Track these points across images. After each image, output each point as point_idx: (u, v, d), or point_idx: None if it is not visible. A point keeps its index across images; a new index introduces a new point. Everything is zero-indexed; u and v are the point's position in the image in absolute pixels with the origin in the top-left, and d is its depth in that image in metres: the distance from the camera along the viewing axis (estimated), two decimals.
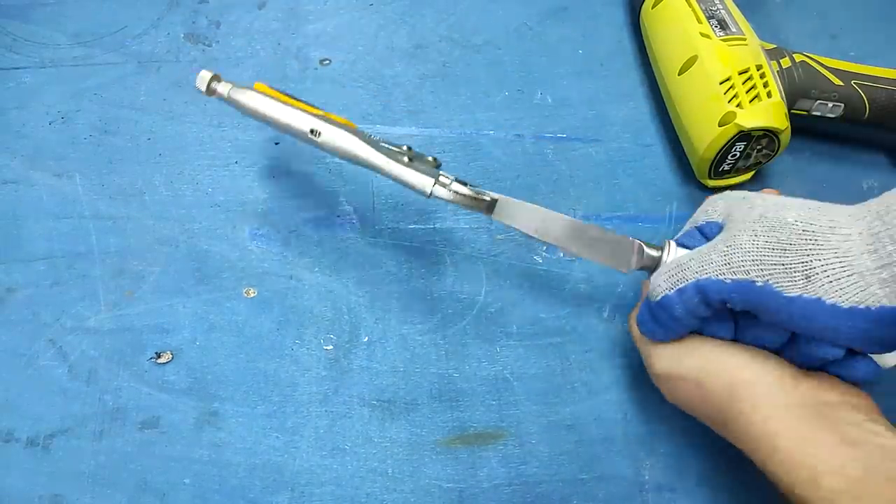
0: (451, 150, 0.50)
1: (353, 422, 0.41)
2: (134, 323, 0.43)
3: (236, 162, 0.49)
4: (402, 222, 0.47)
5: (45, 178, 0.48)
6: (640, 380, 0.43)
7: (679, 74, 0.48)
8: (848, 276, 0.30)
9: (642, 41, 0.54)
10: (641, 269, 0.38)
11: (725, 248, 0.33)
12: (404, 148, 0.40)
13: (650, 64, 0.52)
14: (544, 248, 0.47)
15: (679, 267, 0.34)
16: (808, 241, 0.31)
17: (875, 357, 0.34)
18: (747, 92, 0.44)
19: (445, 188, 0.37)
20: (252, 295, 0.45)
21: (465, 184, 0.39)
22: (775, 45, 0.48)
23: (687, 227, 0.39)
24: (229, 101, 0.40)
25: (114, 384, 0.42)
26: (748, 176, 0.48)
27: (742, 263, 0.32)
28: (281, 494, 0.39)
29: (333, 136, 0.38)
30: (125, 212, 0.47)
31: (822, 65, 0.48)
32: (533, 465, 0.41)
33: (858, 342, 0.31)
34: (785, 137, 0.45)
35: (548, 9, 0.56)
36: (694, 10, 0.48)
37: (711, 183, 0.48)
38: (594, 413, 0.42)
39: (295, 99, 0.41)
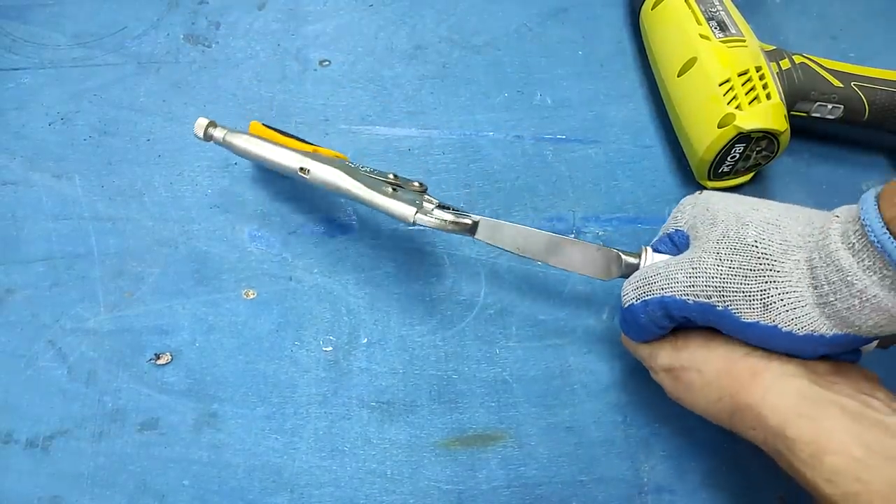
0: (451, 151, 0.50)
1: (353, 423, 0.41)
2: (133, 324, 0.43)
3: (236, 163, 0.49)
4: (401, 224, 0.47)
5: (44, 180, 0.48)
6: (640, 381, 0.43)
7: (678, 76, 0.48)
8: (801, 306, 0.31)
9: (642, 43, 0.54)
10: (622, 276, 0.39)
11: (691, 270, 0.34)
12: (390, 176, 0.42)
13: (650, 65, 0.52)
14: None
15: (646, 280, 0.35)
16: (766, 268, 0.32)
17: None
18: (747, 93, 0.44)
19: (428, 215, 0.39)
20: (251, 296, 0.45)
21: (448, 208, 0.41)
22: (775, 47, 0.48)
23: (661, 231, 0.39)
24: (224, 145, 0.43)
25: (113, 385, 0.42)
26: (748, 177, 0.48)
27: (705, 288, 0.33)
28: (280, 496, 0.39)
29: (320, 172, 0.40)
30: (124, 213, 0.47)
31: (821, 66, 0.48)
32: (532, 467, 0.41)
33: (815, 356, 0.33)
34: (784, 139, 0.45)
35: (548, 10, 0.56)
36: (693, 12, 0.48)
37: (711, 184, 0.48)
38: (594, 415, 0.42)
39: (287, 135, 0.44)
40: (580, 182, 0.49)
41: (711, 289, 0.33)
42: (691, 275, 0.34)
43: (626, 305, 0.37)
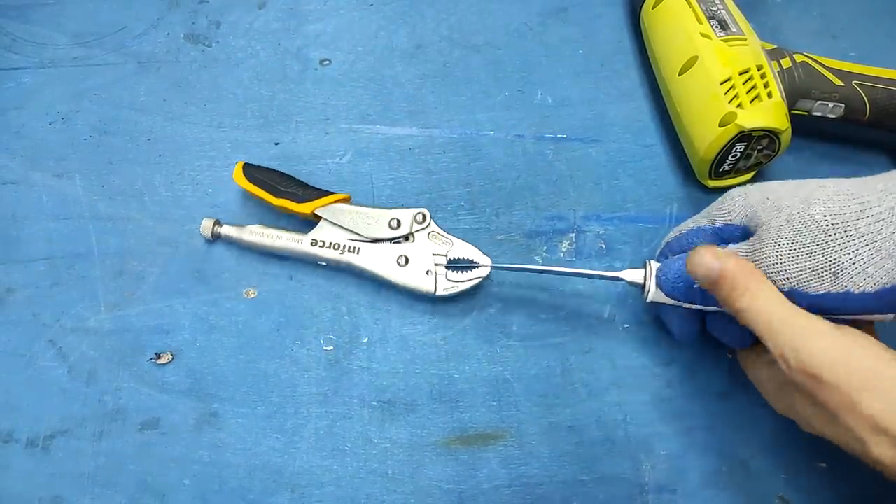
0: (452, 150, 0.50)
1: (353, 423, 0.41)
2: (134, 324, 0.43)
3: (236, 162, 0.49)
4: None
5: (44, 179, 0.48)
6: (641, 381, 0.43)
7: (679, 75, 0.48)
8: (876, 262, 0.31)
9: (642, 41, 0.54)
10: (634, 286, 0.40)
11: (755, 260, 0.34)
12: (392, 222, 0.44)
13: (650, 64, 0.52)
14: (544, 248, 0.47)
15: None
16: (837, 236, 0.32)
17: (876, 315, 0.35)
18: (748, 92, 0.44)
19: (447, 285, 0.43)
20: (252, 295, 0.45)
21: (456, 266, 0.43)
22: (776, 46, 0.48)
23: (696, 223, 0.39)
24: (234, 241, 0.45)
25: (114, 385, 0.42)
26: (748, 176, 0.48)
27: (769, 272, 0.33)
28: (281, 495, 0.39)
29: (333, 257, 0.44)
30: (125, 212, 0.47)
31: (822, 65, 0.48)
32: (533, 467, 0.41)
33: (878, 312, 0.33)
34: (785, 138, 0.45)
35: (548, 9, 0.56)
36: (694, 11, 0.48)
37: (712, 183, 0.48)
38: (594, 414, 0.42)
39: (276, 176, 0.45)
40: (581, 181, 0.49)
41: (774, 273, 0.33)
42: (755, 261, 0.34)
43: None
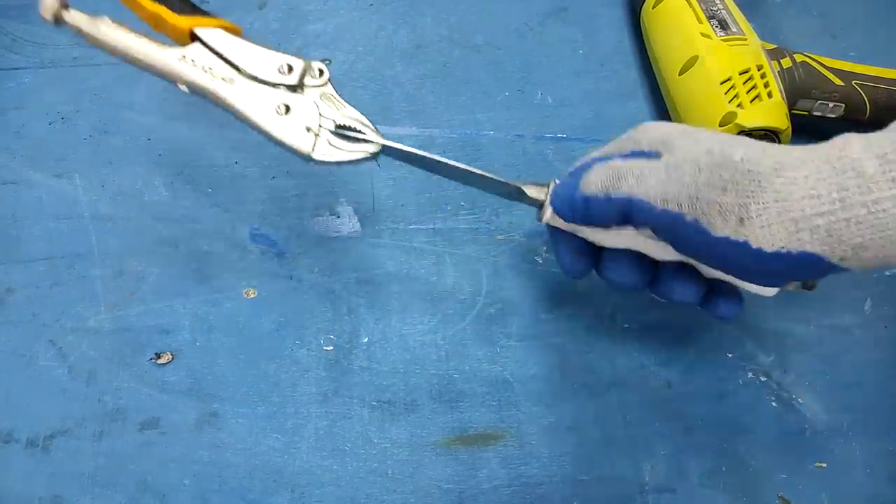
0: (452, 150, 0.50)
1: (353, 422, 0.41)
2: (134, 323, 0.43)
3: (236, 162, 0.49)
4: (402, 222, 0.47)
5: (44, 179, 0.48)
6: (641, 381, 0.43)
7: (680, 74, 0.48)
8: (781, 221, 0.30)
9: (642, 41, 0.54)
10: (531, 205, 0.37)
11: (665, 176, 0.32)
12: (286, 67, 0.36)
13: (650, 64, 0.52)
14: (545, 248, 0.47)
15: (616, 173, 0.33)
16: (752, 182, 0.30)
17: (760, 289, 0.36)
18: (748, 92, 0.44)
19: (325, 150, 0.35)
20: (252, 295, 0.45)
21: (346, 127, 0.36)
22: (776, 45, 0.48)
23: (603, 153, 0.36)
24: (85, 37, 0.36)
25: (113, 385, 0.42)
26: None
27: (678, 196, 0.31)
28: (281, 495, 0.39)
29: (201, 82, 0.36)
30: (125, 212, 0.47)
31: (822, 65, 0.48)
32: (533, 466, 0.41)
33: (761, 279, 0.33)
34: (785, 137, 0.45)
35: (548, 9, 0.56)
36: (694, 10, 0.48)
37: None
38: (594, 414, 0.42)
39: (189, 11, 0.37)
40: None
41: (685, 196, 0.31)
42: (665, 181, 0.31)
43: (585, 194, 0.34)
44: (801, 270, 0.31)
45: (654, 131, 0.35)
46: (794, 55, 0.48)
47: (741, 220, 0.30)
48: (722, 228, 0.30)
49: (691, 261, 0.36)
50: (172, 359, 0.43)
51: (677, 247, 0.33)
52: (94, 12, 0.36)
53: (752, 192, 0.30)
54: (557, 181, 0.37)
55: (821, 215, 0.29)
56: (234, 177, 0.48)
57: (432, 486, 0.40)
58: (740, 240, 0.30)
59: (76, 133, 0.49)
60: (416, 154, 0.37)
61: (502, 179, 0.36)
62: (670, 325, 0.45)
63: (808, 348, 0.44)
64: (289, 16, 0.55)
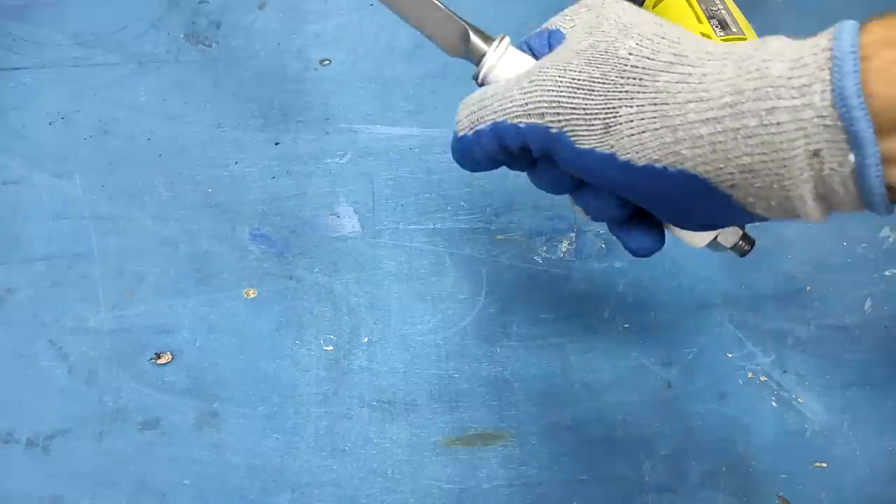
0: None
1: (353, 422, 0.41)
2: (134, 323, 0.43)
3: (236, 162, 0.49)
4: (402, 222, 0.47)
5: (44, 179, 0.48)
6: (641, 380, 0.43)
7: None
8: (655, 129, 0.25)
9: None
10: (467, 58, 0.34)
11: (528, 84, 0.28)
12: None
13: None
14: (544, 248, 0.47)
15: (480, 103, 0.30)
16: (630, 80, 0.26)
17: (684, 235, 0.32)
18: None
19: None
20: (252, 295, 0.45)
21: None
22: None
23: (543, 25, 0.33)
24: None
25: (114, 385, 0.42)
26: None
27: (539, 105, 0.27)
28: (281, 495, 0.39)
29: None
30: (125, 212, 0.47)
31: None
32: (533, 466, 0.41)
33: (651, 206, 0.28)
34: None
35: (548, 9, 0.56)
36: (694, 11, 0.48)
37: None
38: (594, 414, 0.42)
39: None
40: None
41: (546, 105, 0.27)
42: (527, 90, 0.27)
43: (458, 134, 0.31)
44: (685, 198, 0.26)
45: (583, 12, 0.30)
46: None
47: (607, 127, 0.26)
48: (587, 138, 0.26)
49: None
50: (172, 359, 0.43)
51: (559, 164, 0.29)
52: None
53: (627, 92, 0.26)
54: (505, 38, 0.33)
55: (705, 122, 0.24)
56: (234, 177, 0.48)
57: (432, 486, 0.40)
58: (605, 151, 0.26)
59: (76, 133, 0.49)
60: None
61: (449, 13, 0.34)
62: (670, 325, 0.45)
63: (808, 348, 0.44)
64: (289, 16, 0.55)
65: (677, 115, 0.25)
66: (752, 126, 0.23)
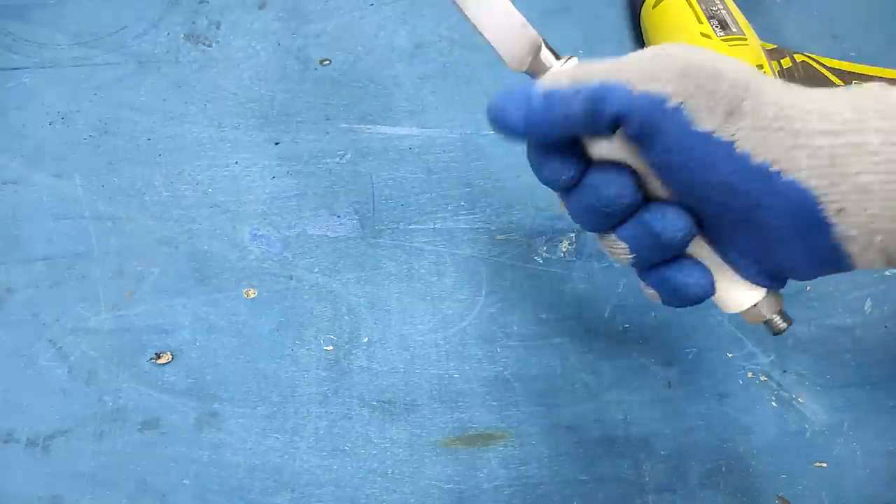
0: (452, 150, 0.50)
1: (353, 423, 0.41)
2: (134, 323, 0.43)
3: (236, 162, 0.49)
4: (402, 222, 0.47)
5: (44, 179, 0.48)
6: (642, 380, 0.43)
7: None
8: (776, 129, 0.24)
9: (643, 41, 0.54)
10: (529, 72, 0.31)
11: (649, 56, 0.26)
12: None
13: None
14: (544, 248, 0.47)
15: (584, 67, 0.27)
16: (751, 78, 0.25)
17: (726, 291, 0.30)
18: None
19: None
20: (252, 295, 0.45)
21: None
22: (776, 46, 0.48)
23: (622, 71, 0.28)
24: None
25: (113, 385, 0.42)
26: None
27: (660, 74, 0.25)
28: (281, 495, 0.39)
29: None
30: (125, 212, 0.47)
31: (822, 65, 0.48)
32: (533, 466, 0.41)
33: (736, 225, 0.26)
34: None
35: (548, 9, 0.56)
36: (694, 10, 0.48)
37: None
38: (595, 414, 0.42)
39: None
40: None
41: (669, 74, 0.25)
42: (646, 61, 0.26)
43: (546, 88, 0.27)
44: (782, 219, 0.25)
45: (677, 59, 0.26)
46: (795, 55, 0.48)
47: (730, 114, 0.24)
48: (707, 120, 0.25)
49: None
50: (172, 359, 0.43)
51: (648, 149, 0.26)
52: None
53: (749, 87, 0.25)
54: (574, 57, 0.30)
55: (826, 134, 0.23)
56: (234, 177, 0.48)
57: (432, 486, 0.40)
58: (724, 138, 0.24)
59: (76, 133, 0.49)
60: None
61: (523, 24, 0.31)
62: (670, 325, 0.45)
63: (809, 348, 0.44)
64: (289, 16, 0.55)
65: (799, 120, 0.24)
66: (876, 143, 0.23)
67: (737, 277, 0.30)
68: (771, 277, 0.29)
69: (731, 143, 0.24)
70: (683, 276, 0.29)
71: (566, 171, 0.28)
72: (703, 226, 0.28)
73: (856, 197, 0.23)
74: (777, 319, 0.31)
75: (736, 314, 0.31)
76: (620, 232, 0.29)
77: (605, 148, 0.28)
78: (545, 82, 0.27)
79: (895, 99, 0.23)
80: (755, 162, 0.24)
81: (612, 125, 0.26)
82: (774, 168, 0.24)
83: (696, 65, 0.25)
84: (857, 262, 0.25)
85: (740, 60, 0.26)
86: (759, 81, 0.25)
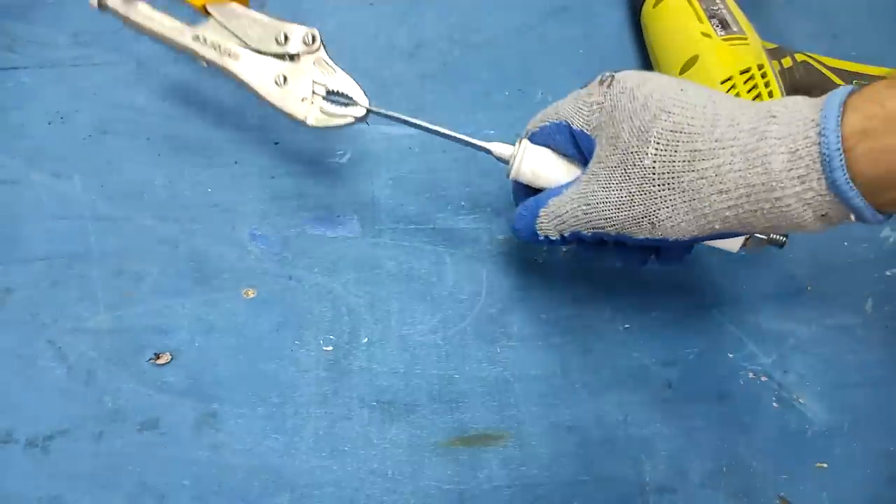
0: (452, 149, 0.50)
1: (353, 423, 0.41)
2: (133, 324, 0.43)
3: (236, 162, 0.49)
4: (401, 222, 0.47)
5: (44, 179, 0.48)
6: (642, 381, 0.43)
7: (680, 74, 0.47)
8: (691, 219, 0.32)
9: (643, 41, 0.54)
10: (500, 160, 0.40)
11: (586, 207, 0.35)
12: (280, 38, 0.41)
13: (651, 63, 0.52)
14: (544, 248, 0.47)
15: (560, 218, 0.37)
16: (661, 187, 0.33)
17: (720, 244, 0.38)
18: (749, 91, 0.44)
19: (317, 114, 0.40)
20: (251, 295, 0.45)
21: (336, 93, 0.41)
22: (777, 45, 0.48)
23: (558, 114, 0.38)
24: (121, 18, 0.42)
25: (113, 385, 0.42)
26: None
27: (598, 222, 0.35)
28: (280, 496, 0.39)
29: (211, 58, 0.42)
30: (124, 212, 0.47)
31: (823, 65, 0.47)
32: (533, 467, 0.41)
33: (693, 247, 0.37)
34: None
35: (548, 8, 0.56)
36: (695, 10, 0.48)
37: None
38: (595, 414, 0.42)
39: None
40: None
41: (603, 220, 0.35)
42: (587, 212, 0.35)
43: (545, 236, 0.38)
44: (727, 237, 0.35)
45: (596, 114, 0.36)
46: (795, 55, 0.47)
47: (653, 226, 0.34)
48: (639, 232, 0.34)
49: None
50: (171, 359, 0.43)
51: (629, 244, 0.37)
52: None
53: (662, 197, 0.33)
54: (524, 141, 0.39)
55: (729, 208, 0.31)
56: (233, 177, 0.48)
57: (432, 487, 0.40)
58: (657, 237, 0.34)
59: (76, 133, 0.49)
60: (398, 117, 0.40)
61: (473, 141, 0.40)
62: (670, 325, 0.45)
63: (809, 348, 0.44)
64: (289, 15, 0.54)
65: (705, 206, 0.32)
66: (767, 208, 0.30)
67: None
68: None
69: (664, 238, 0.34)
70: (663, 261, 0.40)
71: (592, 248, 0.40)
72: None
73: (766, 228, 0.32)
74: (775, 236, 0.38)
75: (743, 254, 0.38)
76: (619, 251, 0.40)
77: None
78: (541, 227, 0.38)
79: (777, 168, 0.29)
80: (686, 237, 0.34)
81: (598, 240, 0.38)
82: (702, 234, 0.34)
83: (615, 207, 0.35)
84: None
85: (662, 139, 0.33)
86: (670, 181, 0.33)
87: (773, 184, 0.29)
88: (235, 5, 0.41)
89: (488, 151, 0.40)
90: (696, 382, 0.43)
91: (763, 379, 0.43)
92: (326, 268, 0.45)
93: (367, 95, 0.41)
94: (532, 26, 0.55)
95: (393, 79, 0.52)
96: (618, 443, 0.41)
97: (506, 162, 0.40)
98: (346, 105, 0.40)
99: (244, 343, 0.43)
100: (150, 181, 0.48)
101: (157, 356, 0.43)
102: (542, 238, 0.38)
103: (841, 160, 0.27)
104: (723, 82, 0.44)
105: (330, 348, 0.43)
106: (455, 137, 0.40)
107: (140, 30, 0.42)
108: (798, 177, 0.29)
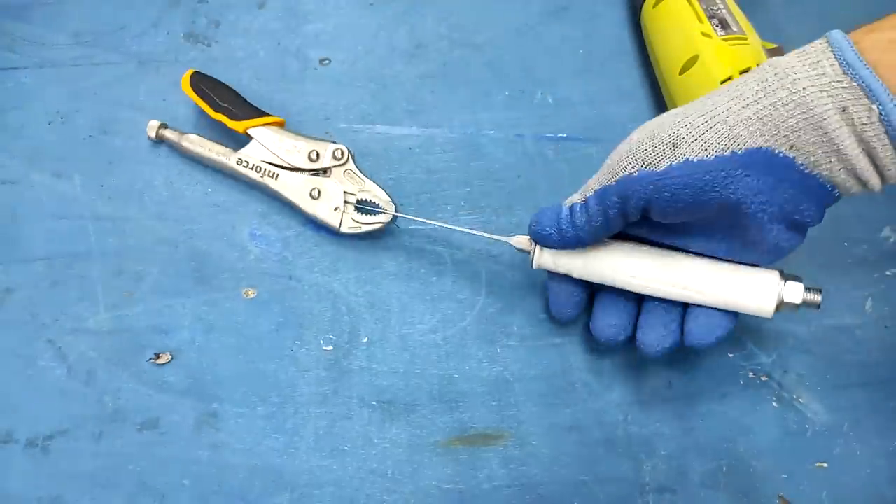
0: (452, 150, 0.50)
1: (353, 423, 0.41)
2: (133, 324, 0.43)
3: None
4: (401, 222, 0.47)
5: (44, 179, 0.48)
6: (642, 380, 0.43)
7: (680, 74, 0.47)
8: (712, 125, 0.32)
9: (643, 41, 0.54)
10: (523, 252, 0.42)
11: (605, 165, 0.36)
12: (312, 155, 0.46)
13: (651, 64, 0.52)
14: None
15: (585, 187, 0.37)
16: (676, 116, 0.33)
17: (753, 302, 0.37)
18: None
19: (350, 223, 0.45)
20: (251, 295, 0.45)
21: (365, 202, 0.45)
22: (777, 45, 0.48)
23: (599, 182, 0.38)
24: (175, 146, 0.48)
25: (113, 385, 0.42)
26: None
27: (620, 163, 0.34)
28: (280, 496, 0.39)
29: (254, 178, 0.46)
30: (124, 212, 0.47)
31: None
32: (534, 467, 0.41)
33: (739, 192, 0.32)
34: None
35: (548, 8, 0.56)
36: (695, 10, 0.48)
37: None
38: (595, 414, 0.42)
39: (223, 90, 0.48)
40: (581, 181, 0.49)
41: (626, 159, 0.34)
42: (607, 163, 0.36)
43: (571, 204, 0.37)
44: (759, 180, 0.31)
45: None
46: None
47: (674, 145, 0.32)
48: (661, 160, 0.32)
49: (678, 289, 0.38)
50: (172, 359, 0.43)
51: (653, 213, 0.34)
52: (181, 132, 0.48)
53: (678, 122, 0.33)
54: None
55: (747, 107, 0.31)
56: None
57: (432, 487, 0.40)
58: (679, 160, 0.32)
59: (76, 133, 0.49)
60: (423, 221, 0.44)
61: (492, 236, 0.42)
62: None
63: (809, 348, 0.44)
64: (289, 15, 0.55)
65: (723, 111, 0.32)
66: (785, 96, 0.30)
67: (747, 293, 0.38)
68: (773, 250, 0.36)
69: (686, 158, 0.32)
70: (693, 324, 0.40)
71: (572, 306, 0.42)
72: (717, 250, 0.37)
73: (794, 135, 0.31)
74: (808, 296, 0.37)
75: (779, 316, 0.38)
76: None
77: (614, 259, 0.39)
78: (570, 199, 0.38)
79: (785, 63, 0.31)
80: (711, 158, 0.32)
81: (626, 216, 0.35)
82: (728, 152, 0.31)
83: (640, 140, 0.34)
84: (834, 182, 0.32)
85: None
86: (685, 110, 0.34)
87: (786, 71, 0.30)
88: (274, 128, 0.46)
89: (506, 243, 0.41)
90: (696, 382, 0.43)
91: (763, 379, 0.43)
92: (326, 268, 0.45)
93: (393, 201, 0.45)
94: (532, 26, 0.55)
95: (393, 78, 0.52)
96: (618, 442, 0.41)
97: (526, 252, 0.41)
98: (375, 213, 0.45)
99: (244, 343, 0.43)
100: (150, 180, 0.48)
101: (157, 356, 0.43)
102: (565, 218, 0.37)
103: (850, 43, 0.30)
104: (723, 82, 0.44)
105: (330, 348, 0.43)
106: (477, 235, 0.43)
107: (192, 155, 0.48)
108: (809, 64, 0.30)
